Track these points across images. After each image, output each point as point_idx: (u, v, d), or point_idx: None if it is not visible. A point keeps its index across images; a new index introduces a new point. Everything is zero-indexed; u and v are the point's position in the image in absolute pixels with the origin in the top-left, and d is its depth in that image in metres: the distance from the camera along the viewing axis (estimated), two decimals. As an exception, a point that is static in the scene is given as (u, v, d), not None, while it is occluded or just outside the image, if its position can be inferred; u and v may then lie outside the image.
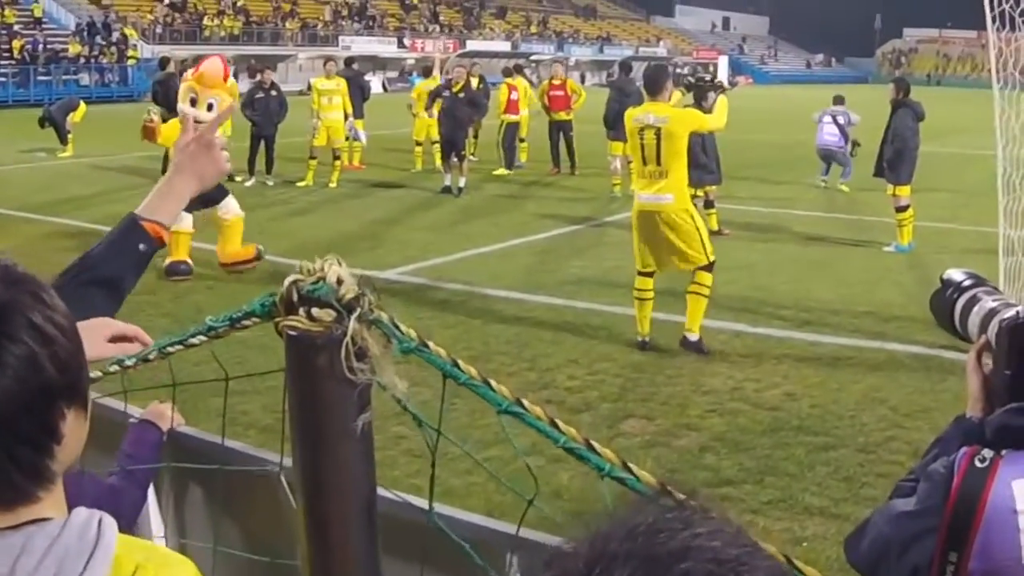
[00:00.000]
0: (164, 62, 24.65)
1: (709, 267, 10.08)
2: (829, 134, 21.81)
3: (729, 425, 8.22)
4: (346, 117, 22.66)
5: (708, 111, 12.07)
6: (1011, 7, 6.98)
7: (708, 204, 15.68)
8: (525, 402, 1.47)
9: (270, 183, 21.52)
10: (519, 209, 19.29)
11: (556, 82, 24.60)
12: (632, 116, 10.23)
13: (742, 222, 17.31)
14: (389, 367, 1.50)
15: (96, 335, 2.23)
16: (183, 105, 12.34)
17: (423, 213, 18.67)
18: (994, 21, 6.65)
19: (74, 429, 1.43)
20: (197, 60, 24.14)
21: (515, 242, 15.72)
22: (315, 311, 1.55)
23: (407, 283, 12.78)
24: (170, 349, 1.90)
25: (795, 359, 9.97)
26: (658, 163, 9.92)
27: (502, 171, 24.40)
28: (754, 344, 10.47)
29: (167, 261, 12.94)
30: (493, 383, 1.49)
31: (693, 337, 10.05)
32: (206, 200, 12.42)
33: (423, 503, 1.97)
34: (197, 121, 10.71)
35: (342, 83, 22.78)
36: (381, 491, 1.78)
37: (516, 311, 11.59)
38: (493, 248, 15.23)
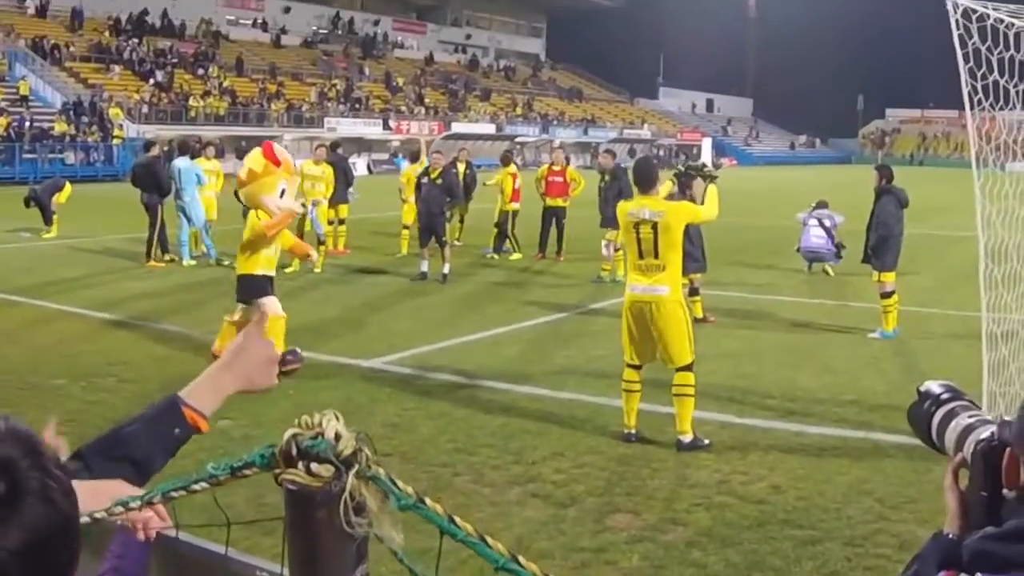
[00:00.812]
0: (148, 145, 24.81)
1: (689, 367, 10.12)
2: (816, 237, 22.01)
3: (715, 519, 8.19)
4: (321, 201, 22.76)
5: (692, 198, 12.20)
6: (991, 103, 7.06)
7: (693, 292, 15.70)
8: (521, 559, 1.48)
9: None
10: (504, 296, 19.30)
11: (556, 168, 24.44)
12: (626, 211, 10.27)
13: (727, 309, 17.38)
14: (387, 521, 1.52)
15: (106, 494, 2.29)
16: (270, 197, 12.25)
17: (408, 300, 18.67)
18: (974, 120, 6.74)
19: None
20: (198, 143, 24.47)
21: (501, 330, 15.71)
22: (314, 466, 1.57)
23: (392, 372, 12.73)
24: (173, 494, 1.92)
25: (781, 450, 9.96)
26: (655, 256, 9.99)
27: (517, 256, 24.68)
28: (740, 435, 10.46)
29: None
30: (489, 539, 1.51)
31: (687, 439, 9.98)
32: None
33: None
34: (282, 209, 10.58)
35: (328, 170, 22.95)
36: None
37: (502, 402, 11.55)
38: (479, 336, 15.20)
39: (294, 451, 1.60)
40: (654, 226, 9.97)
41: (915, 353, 14.43)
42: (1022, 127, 7.92)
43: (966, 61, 6.42)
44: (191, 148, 23.98)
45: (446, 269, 20.57)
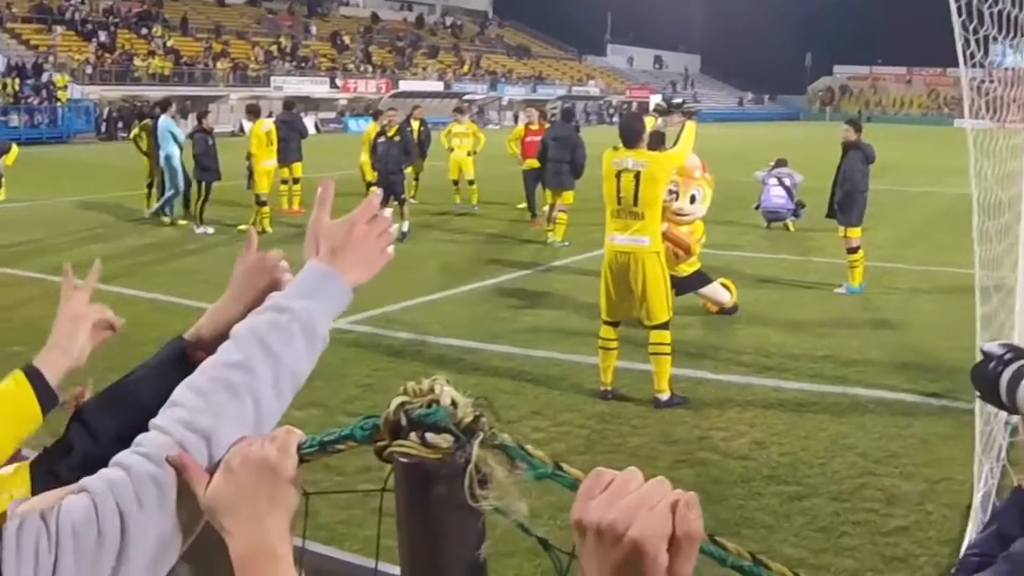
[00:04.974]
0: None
1: (665, 325, 10.02)
2: (777, 196, 21.97)
3: (700, 476, 8.11)
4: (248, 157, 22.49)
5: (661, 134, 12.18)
6: (982, 56, 6.94)
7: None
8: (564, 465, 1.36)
9: (211, 231, 21.26)
10: (464, 254, 19.15)
11: (533, 127, 22.97)
12: (611, 159, 10.17)
13: (690, 265, 17.30)
14: (515, 492, 1.36)
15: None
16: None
17: (368, 258, 18.40)
18: (967, 74, 6.61)
19: None
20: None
21: (464, 288, 15.55)
22: (430, 436, 1.41)
23: (359, 332, 12.52)
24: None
25: (759, 406, 9.92)
26: (635, 205, 9.88)
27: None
28: (717, 392, 10.41)
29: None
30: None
31: (664, 397, 9.95)
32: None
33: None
34: (680, 214, 10.76)
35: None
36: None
37: (473, 361, 11.44)
38: (444, 295, 15.06)
39: (403, 421, 1.43)
40: (636, 175, 9.86)
41: (883, 307, 14.43)
42: (1021, 82, 7.79)
43: (959, 14, 6.27)
44: (168, 106, 23.69)
45: (405, 227, 20.33)
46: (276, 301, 1.73)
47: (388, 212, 1.91)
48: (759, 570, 1.25)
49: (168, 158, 22.24)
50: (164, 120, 22.67)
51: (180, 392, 1.62)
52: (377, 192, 2.06)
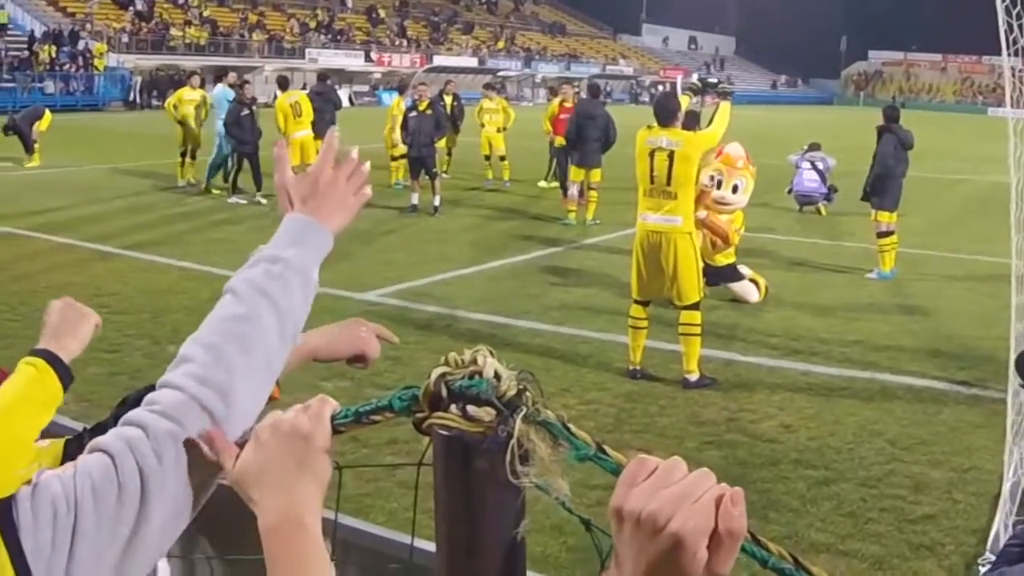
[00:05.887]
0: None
1: (696, 305, 10.00)
2: (810, 180, 21.91)
3: (727, 458, 8.10)
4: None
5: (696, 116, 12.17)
6: (1023, 43, 6.84)
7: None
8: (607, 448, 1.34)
9: (264, 201, 21.07)
10: (495, 229, 19.14)
11: (568, 104, 22.35)
12: (644, 138, 10.11)
13: (721, 246, 17.24)
14: (557, 469, 1.34)
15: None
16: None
17: (399, 232, 18.42)
18: (1011, 55, 6.53)
19: None
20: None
21: (494, 264, 15.54)
22: (471, 409, 1.39)
23: (389, 305, 12.56)
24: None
25: (788, 389, 9.89)
26: (668, 184, 9.84)
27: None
28: (746, 373, 10.39)
29: None
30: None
31: (693, 377, 9.94)
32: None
33: None
34: (721, 203, 10.88)
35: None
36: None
37: (502, 336, 11.41)
38: (473, 270, 15.07)
39: (444, 393, 1.41)
40: (670, 155, 9.82)
41: (914, 294, 14.34)
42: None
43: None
44: (225, 75, 23.89)
45: (437, 201, 20.37)
46: (265, 252, 1.74)
47: (355, 152, 1.90)
48: (800, 574, 1.21)
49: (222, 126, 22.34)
50: (221, 89, 22.80)
51: (189, 348, 1.62)
52: (332, 129, 2.03)
